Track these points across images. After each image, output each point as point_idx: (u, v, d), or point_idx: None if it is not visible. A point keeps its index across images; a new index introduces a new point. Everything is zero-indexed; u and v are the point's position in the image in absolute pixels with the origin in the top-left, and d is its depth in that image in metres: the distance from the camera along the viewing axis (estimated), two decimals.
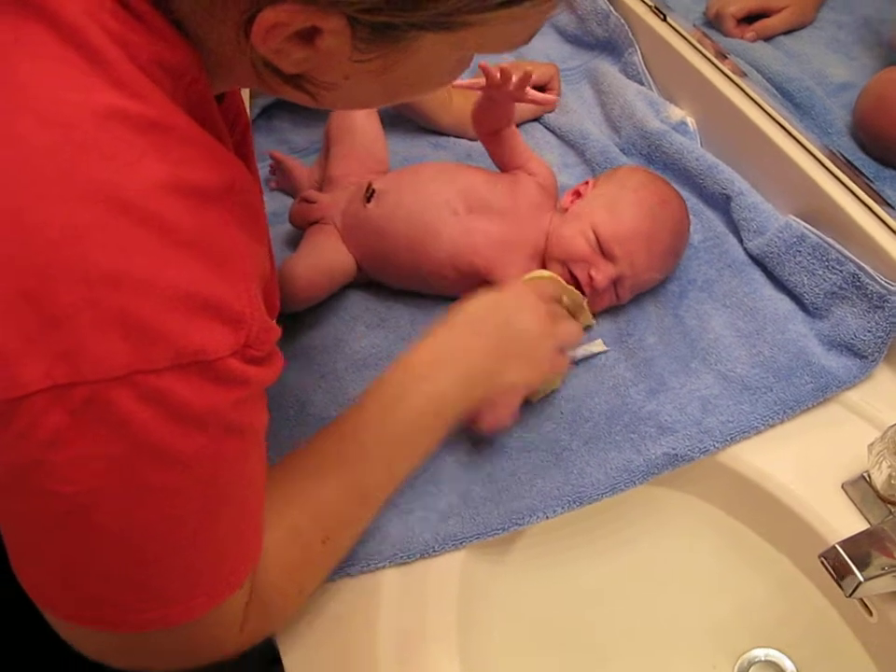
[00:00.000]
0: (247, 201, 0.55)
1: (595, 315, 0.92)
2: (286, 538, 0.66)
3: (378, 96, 0.59)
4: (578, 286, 0.89)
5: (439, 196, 0.93)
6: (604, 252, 0.89)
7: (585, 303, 0.89)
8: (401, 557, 0.76)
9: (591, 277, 0.88)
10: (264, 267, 0.57)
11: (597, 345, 0.90)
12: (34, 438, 0.47)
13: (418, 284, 0.95)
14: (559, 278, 0.88)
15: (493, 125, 0.95)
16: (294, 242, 1.02)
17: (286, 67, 0.52)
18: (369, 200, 0.94)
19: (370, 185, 0.95)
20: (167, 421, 0.48)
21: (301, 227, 1.01)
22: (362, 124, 1.04)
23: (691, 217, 0.97)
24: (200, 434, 0.50)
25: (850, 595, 0.65)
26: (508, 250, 0.91)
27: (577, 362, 0.89)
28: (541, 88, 1.16)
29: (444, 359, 0.75)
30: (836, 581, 0.65)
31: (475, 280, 0.90)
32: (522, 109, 1.14)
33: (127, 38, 0.48)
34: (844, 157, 0.90)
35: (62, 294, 0.45)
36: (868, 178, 0.87)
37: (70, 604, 0.56)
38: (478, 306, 0.78)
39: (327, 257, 0.95)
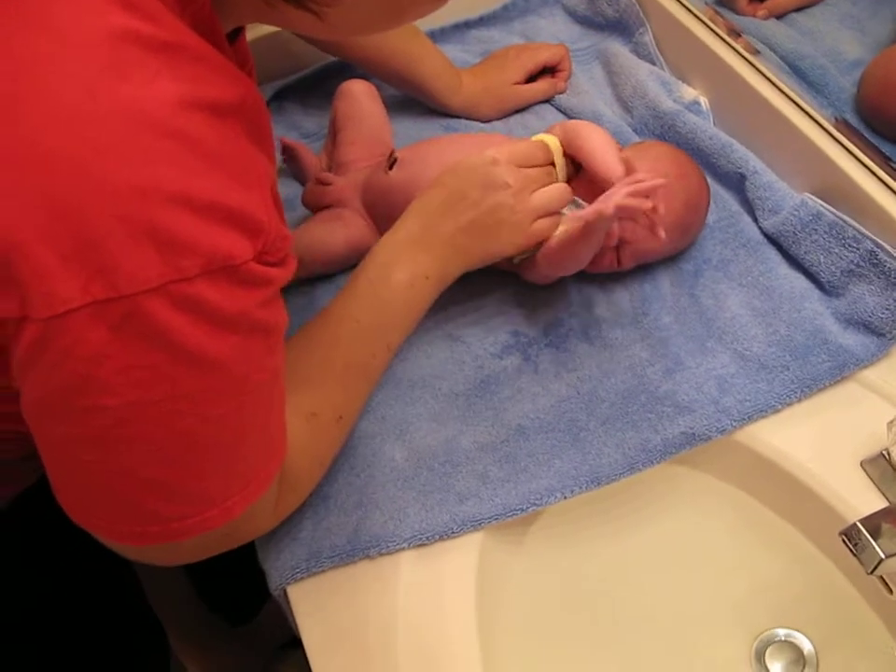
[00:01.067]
0: (257, 117, 0.56)
1: None
2: (305, 423, 0.71)
3: (385, 12, 0.59)
4: None
5: (463, 153, 0.92)
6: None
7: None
8: (420, 539, 0.76)
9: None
10: (274, 179, 0.59)
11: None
12: (77, 354, 0.48)
13: None
14: (557, 146, 0.87)
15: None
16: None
17: None
18: (391, 167, 0.93)
19: (392, 153, 0.94)
20: (202, 325, 0.50)
21: (314, 209, 1.00)
22: (369, 110, 1.04)
23: None
24: (232, 335, 0.53)
25: (871, 573, 0.65)
26: None
27: None
28: (552, 69, 1.16)
29: (422, 242, 0.80)
30: (857, 557, 0.65)
31: None
32: (533, 91, 1.14)
33: None
34: (860, 133, 0.89)
35: (93, 211, 0.46)
36: (885, 155, 0.86)
37: (112, 522, 0.58)
38: (448, 186, 0.83)
39: (346, 231, 0.96)
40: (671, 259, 0.94)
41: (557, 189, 0.84)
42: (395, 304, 0.79)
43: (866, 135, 0.90)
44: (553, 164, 0.87)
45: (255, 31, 1.13)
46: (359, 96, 1.04)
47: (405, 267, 0.79)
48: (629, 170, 0.85)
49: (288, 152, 1.08)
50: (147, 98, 0.47)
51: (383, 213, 0.95)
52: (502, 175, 0.81)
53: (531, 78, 1.15)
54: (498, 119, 1.14)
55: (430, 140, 0.98)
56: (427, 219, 0.81)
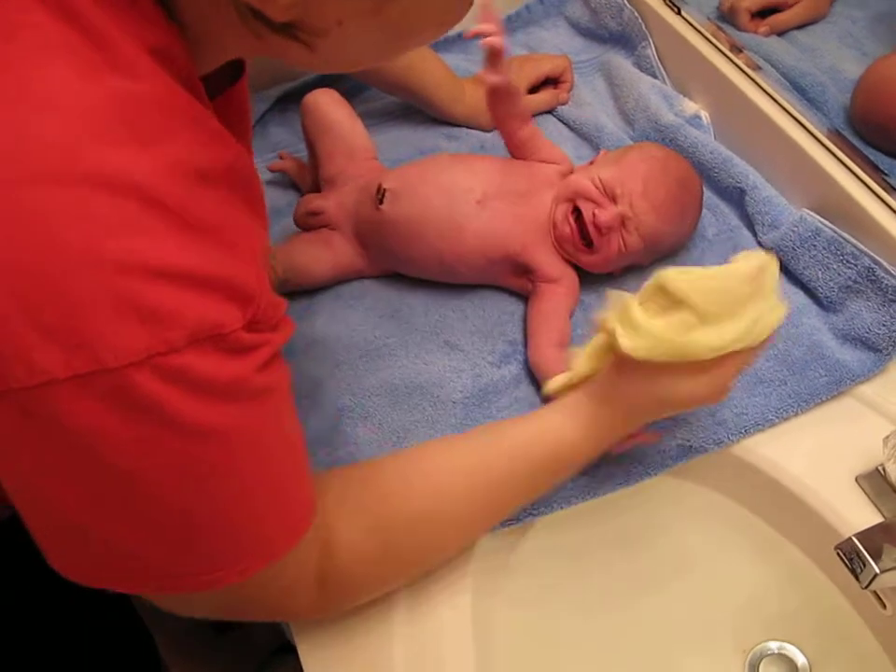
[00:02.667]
0: (248, 181, 0.55)
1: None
2: (385, 556, 0.67)
3: (379, 44, 0.56)
4: (583, 225, 0.89)
5: (457, 186, 0.92)
6: (607, 194, 0.89)
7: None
8: None
9: (594, 215, 0.88)
10: (266, 245, 0.57)
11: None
12: (68, 425, 0.47)
13: (441, 275, 0.95)
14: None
15: (507, 119, 0.95)
16: None
17: (274, 14, 0.50)
18: (381, 202, 0.92)
19: (379, 186, 0.93)
20: (195, 396, 0.49)
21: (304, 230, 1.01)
22: (336, 118, 1.02)
23: (704, 210, 0.97)
24: (229, 403, 0.51)
25: (866, 587, 0.65)
26: (535, 231, 0.92)
27: None
28: (554, 80, 1.17)
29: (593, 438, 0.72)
30: (852, 572, 0.65)
31: (507, 264, 0.92)
32: (536, 101, 1.15)
33: (122, 20, 0.48)
34: (859, 150, 0.90)
35: (73, 282, 0.44)
36: (884, 172, 0.87)
37: (127, 579, 0.57)
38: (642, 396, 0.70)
39: (331, 259, 0.96)
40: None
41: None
42: (530, 483, 0.72)
43: (860, 147, 0.90)
44: None
45: None
46: (323, 107, 1.02)
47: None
48: None
49: (283, 168, 1.09)
50: (133, 165, 0.46)
51: (375, 245, 0.95)
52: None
53: (534, 89, 1.16)
54: None
55: (419, 165, 0.98)
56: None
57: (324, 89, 1.04)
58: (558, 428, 0.71)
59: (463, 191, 0.91)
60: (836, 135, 0.92)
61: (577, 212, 0.89)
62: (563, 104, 1.17)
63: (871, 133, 0.94)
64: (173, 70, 0.51)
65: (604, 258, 0.89)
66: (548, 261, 0.91)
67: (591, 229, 0.88)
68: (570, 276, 0.92)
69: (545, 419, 0.72)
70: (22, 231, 0.44)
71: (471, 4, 0.56)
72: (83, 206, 0.45)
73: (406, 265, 0.96)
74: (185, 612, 0.64)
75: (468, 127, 1.14)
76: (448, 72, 1.12)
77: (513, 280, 0.94)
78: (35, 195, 0.44)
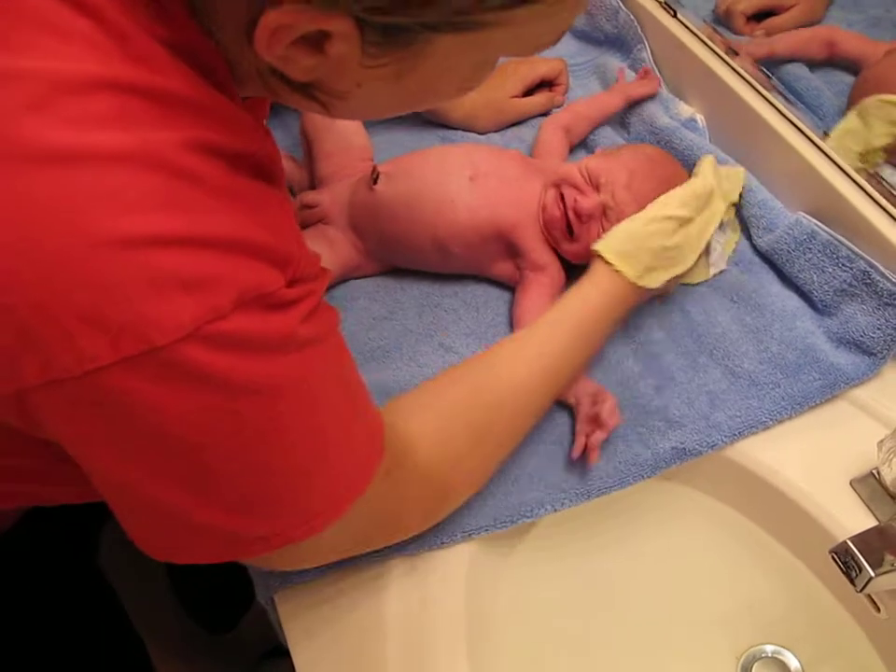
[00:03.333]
0: (271, 165, 0.55)
1: None
2: (468, 444, 0.72)
3: (394, 104, 0.58)
4: (566, 211, 0.90)
5: (450, 164, 0.94)
6: (592, 183, 0.90)
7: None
8: (409, 549, 0.76)
9: (576, 201, 0.89)
10: (296, 214, 0.58)
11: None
12: (127, 405, 0.47)
13: (435, 256, 0.94)
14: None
15: None
16: None
17: (294, 75, 0.51)
18: (375, 182, 0.93)
19: (374, 168, 0.94)
20: (248, 358, 0.49)
21: (301, 229, 1.00)
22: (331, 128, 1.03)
23: None
24: (282, 356, 0.51)
25: (860, 591, 0.65)
26: (527, 214, 0.93)
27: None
28: (549, 83, 1.17)
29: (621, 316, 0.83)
30: (847, 576, 0.65)
31: (497, 243, 0.93)
32: (531, 104, 1.14)
33: (137, 16, 0.47)
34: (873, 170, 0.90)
35: (108, 264, 0.44)
36: (880, 175, 0.87)
37: (227, 548, 0.58)
38: None
39: (331, 256, 0.95)
40: None
41: None
42: (574, 359, 0.80)
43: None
44: None
45: None
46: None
47: (588, 335, 0.81)
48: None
49: None
50: (153, 142, 0.45)
51: (370, 229, 0.95)
52: None
53: (529, 92, 1.15)
54: (496, 131, 1.14)
55: (412, 153, 0.98)
56: (622, 302, 0.83)
57: None
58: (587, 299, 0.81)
59: (456, 168, 0.93)
60: (826, 133, 0.92)
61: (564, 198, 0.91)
62: (558, 106, 1.16)
63: None
64: (195, 65, 0.50)
65: (584, 246, 0.89)
66: (536, 247, 0.92)
67: (571, 215, 0.89)
68: (556, 267, 0.93)
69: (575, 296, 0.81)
70: (41, 216, 0.43)
71: (493, 70, 0.57)
72: (101, 183, 0.44)
73: (400, 247, 0.95)
74: (300, 564, 0.68)
75: (464, 130, 1.14)
76: None
77: (502, 265, 0.94)
78: (48, 176, 0.43)
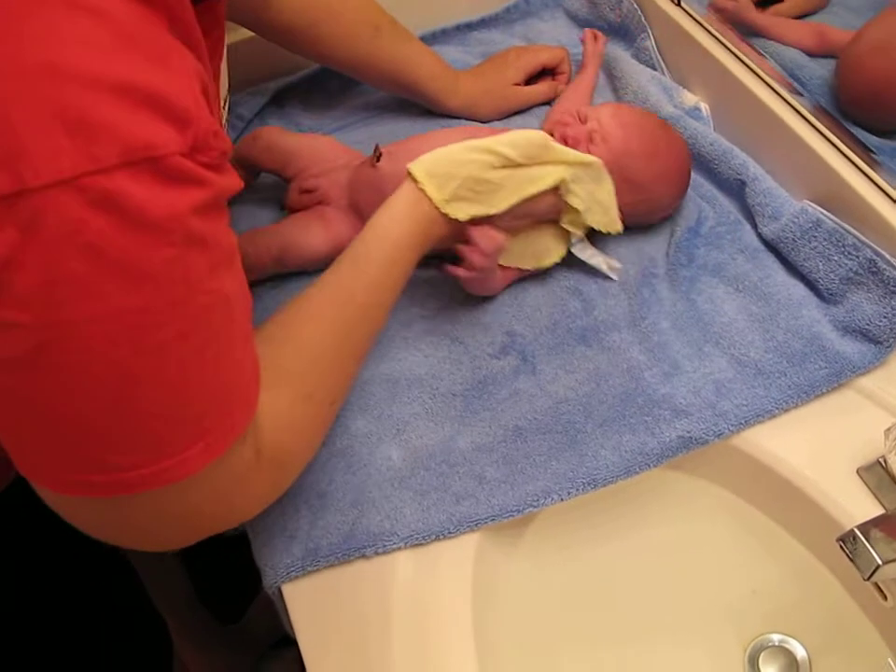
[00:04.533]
0: (182, 12, 0.51)
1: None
2: (297, 405, 0.67)
3: None
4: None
5: (452, 139, 0.92)
6: (581, 120, 0.93)
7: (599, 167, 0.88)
8: (416, 539, 0.76)
9: (564, 128, 0.92)
10: (204, 80, 0.53)
11: (612, 267, 0.94)
12: None
13: None
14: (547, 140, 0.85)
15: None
16: None
17: None
18: (378, 160, 0.93)
19: (377, 147, 0.94)
20: (126, 228, 0.45)
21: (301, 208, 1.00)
22: (293, 141, 1.02)
23: (703, 204, 0.97)
24: (162, 243, 0.47)
25: (868, 579, 0.65)
26: None
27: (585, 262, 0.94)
28: (552, 71, 1.16)
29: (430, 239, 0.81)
30: (854, 563, 0.65)
31: None
32: (534, 92, 1.14)
33: None
34: (860, 141, 0.89)
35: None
36: (887, 164, 0.86)
37: (54, 469, 0.52)
38: None
39: (330, 232, 0.95)
40: (671, 267, 0.94)
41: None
42: (387, 294, 0.77)
43: (861, 138, 0.90)
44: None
45: None
46: (277, 139, 1.02)
47: (400, 265, 0.78)
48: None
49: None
50: None
51: (372, 206, 0.94)
52: None
53: (531, 81, 1.15)
54: (498, 119, 1.14)
55: (414, 135, 0.99)
56: (428, 229, 0.81)
57: (268, 127, 1.04)
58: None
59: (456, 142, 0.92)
60: (838, 126, 0.91)
61: None
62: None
63: (853, 108, 0.94)
64: None
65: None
66: None
67: (557, 141, 0.89)
68: None
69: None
70: None
71: None
72: (13, 15, 0.42)
73: None
74: (88, 525, 0.59)
75: (466, 118, 1.13)
76: (441, 64, 1.11)
77: None
78: None
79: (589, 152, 0.89)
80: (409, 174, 0.80)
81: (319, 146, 1.03)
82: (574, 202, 0.87)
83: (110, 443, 0.51)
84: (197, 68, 0.51)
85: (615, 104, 1.03)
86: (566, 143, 0.90)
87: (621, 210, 0.91)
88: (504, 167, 0.82)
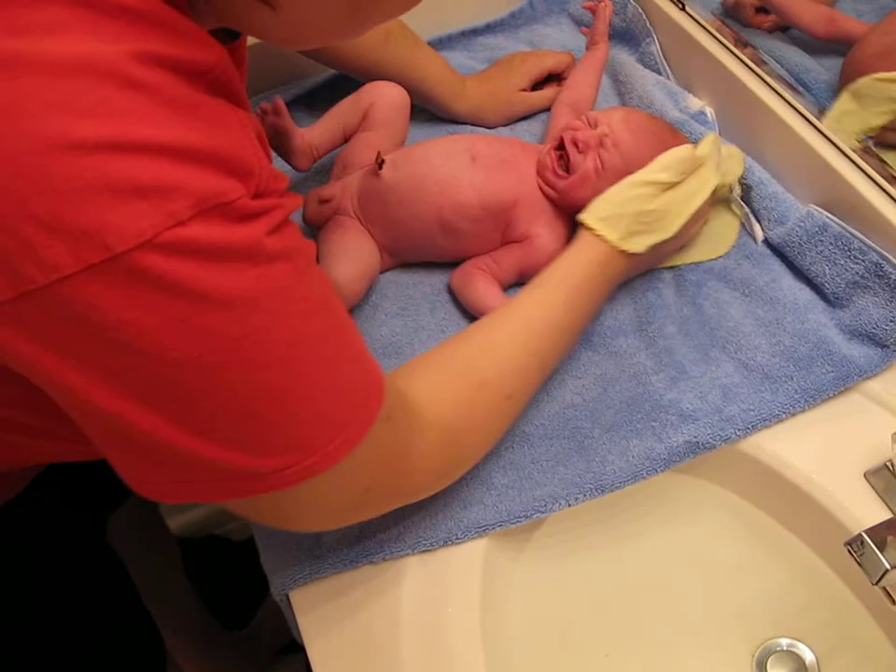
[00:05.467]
0: (230, 82, 0.53)
1: None
2: (469, 389, 0.72)
3: (343, 13, 0.55)
4: (566, 154, 0.93)
5: (452, 149, 0.95)
6: (590, 124, 0.93)
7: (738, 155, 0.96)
8: (424, 545, 0.76)
9: (573, 133, 0.92)
10: (259, 129, 0.56)
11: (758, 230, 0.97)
12: (95, 321, 0.46)
13: (443, 241, 0.94)
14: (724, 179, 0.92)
15: None
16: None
17: None
18: (380, 167, 0.93)
19: (378, 154, 0.94)
20: (212, 267, 0.48)
21: (318, 225, 0.99)
22: (403, 123, 1.03)
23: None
24: (249, 268, 0.50)
25: (876, 583, 0.65)
26: (527, 185, 0.94)
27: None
28: (557, 77, 1.16)
29: (619, 276, 0.88)
30: (862, 568, 0.65)
31: (502, 219, 0.94)
32: (539, 98, 1.14)
33: None
34: (865, 145, 0.89)
35: (63, 171, 0.43)
36: (891, 167, 0.86)
37: (208, 491, 0.56)
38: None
39: (364, 259, 0.94)
40: (677, 271, 0.94)
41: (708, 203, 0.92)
42: (577, 320, 0.82)
43: (866, 141, 0.90)
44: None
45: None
46: (402, 108, 1.02)
47: (596, 297, 0.84)
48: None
49: (275, 121, 1.00)
50: (104, 52, 0.44)
51: (378, 215, 0.95)
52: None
53: (537, 86, 1.15)
54: (504, 125, 1.15)
55: (416, 145, 0.99)
56: (610, 265, 0.85)
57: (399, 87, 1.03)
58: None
59: (457, 152, 0.94)
60: (821, 110, 0.92)
61: (561, 149, 0.93)
62: None
63: None
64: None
65: (581, 176, 0.91)
66: (536, 221, 0.94)
67: (568, 146, 0.91)
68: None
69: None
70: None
71: None
72: (53, 90, 0.43)
73: (407, 231, 0.95)
74: (303, 519, 0.65)
75: (472, 124, 1.14)
76: (449, 69, 1.11)
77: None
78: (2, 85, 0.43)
79: (599, 157, 0.90)
80: (581, 223, 0.85)
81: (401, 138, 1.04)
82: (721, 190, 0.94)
83: (253, 454, 0.54)
84: (245, 119, 0.53)
85: (625, 108, 1.05)
86: (576, 147, 0.91)
87: None
88: (664, 192, 0.85)
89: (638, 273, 0.92)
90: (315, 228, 1.00)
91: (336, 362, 0.58)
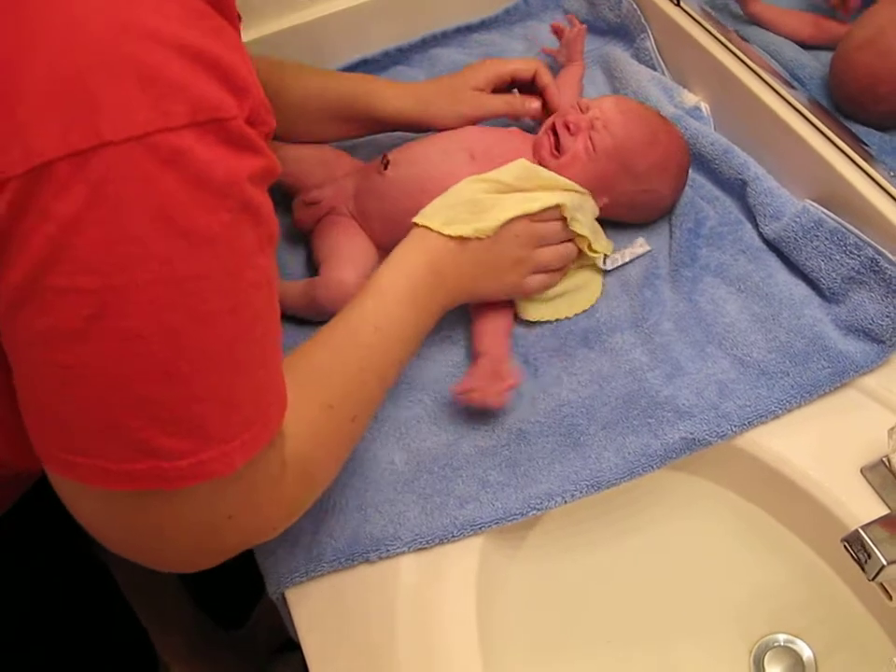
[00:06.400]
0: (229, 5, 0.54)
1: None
2: (319, 414, 0.67)
3: None
4: (557, 140, 0.93)
5: (452, 146, 0.95)
6: (582, 110, 0.93)
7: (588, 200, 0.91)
8: (420, 543, 0.76)
9: (565, 117, 0.93)
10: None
11: (640, 245, 0.97)
12: (56, 214, 0.44)
13: None
14: (564, 205, 0.88)
15: None
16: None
17: None
18: (385, 167, 0.94)
19: (384, 156, 0.95)
20: (190, 187, 0.46)
21: (308, 228, 0.99)
22: (297, 154, 1.01)
23: (704, 204, 0.97)
24: (221, 207, 0.48)
25: (873, 579, 0.65)
26: None
27: (625, 264, 0.96)
28: (528, 85, 1.05)
29: (441, 276, 0.82)
30: (859, 564, 0.65)
31: None
32: (489, 99, 1.03)
33: None
34: (861, 140, 0.89)
35: (71, 49, 0.43)
36: (886, 163, 0.86)
37: (92, 457, 0.51)
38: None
39: (364, 260, 0.94)
40: (673, 267, 0.94)
41: (557, 249, 0.89)
42: (412, 331, 0.78)
43: (862, 138, 0.90)
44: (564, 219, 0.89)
45: (264, 30, 1.16)
46: (283, 152, 0.99)
47: (425, 302, 0.80)
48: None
49: None
50: None
51: (378, 214, 0.95)
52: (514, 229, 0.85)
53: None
54: (456, 125, 1.00)
55: (416, 141, 0.98)
56: (447, 253, 0.83)
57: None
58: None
59: (456, 150, 0.94)
60: (838, 125, 0.91)
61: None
62: (533, 118, 1.05)
63: (848, 104, 0.95)
64: None
65: (571, 157, 0.91)
66: None
67: (559, 128, 0.92)
68: None
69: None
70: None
71: None
72: None
73: (407, 228, 0.91)
74: (97, 525, 0.58)
75: (419, 127, 1.02)
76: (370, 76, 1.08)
77: None
78: None
79: (591, 139, 0.91)
80: (414, 225, 0.84)
81: (323, 155, 1.03)
82: (579, 228, 0.89)
83: (157, 422, 0.50)
84: (238, 39, 0.53)
85: (616, 95, 1.05)
86: (567, 129, 0.92)
87: (621, 201, 0.94)
88: (499, 192, 0.86)
89: (482, 294, 0.88)
90: (305, 231, 0.99)
91: (263, 351, 0.56)
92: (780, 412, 0.81)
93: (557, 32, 1.14)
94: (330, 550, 0.76)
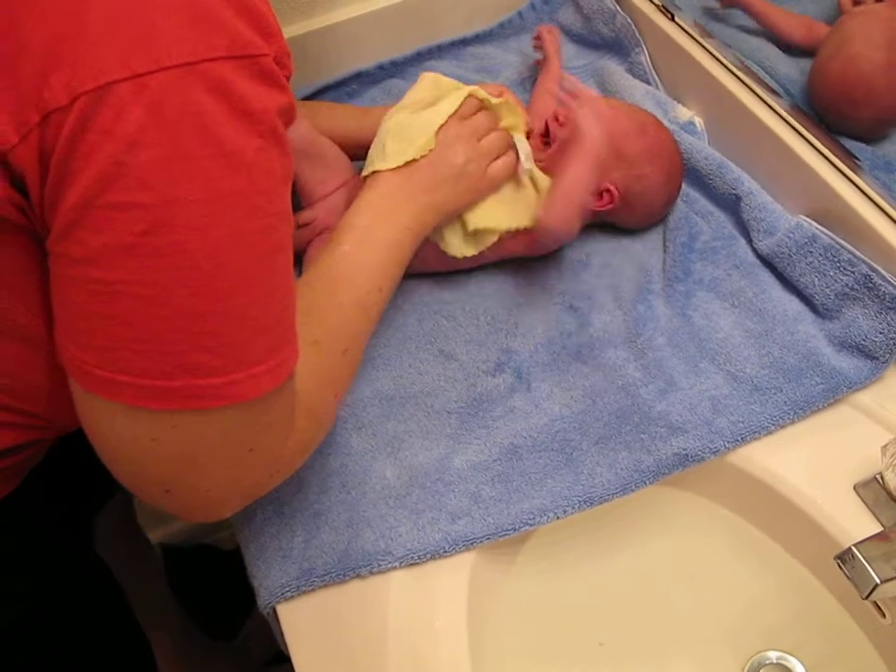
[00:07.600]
0: None
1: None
2: (309, 350, 0.68)
3: None
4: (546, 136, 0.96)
5: None
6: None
7: (510, 100, 0.93)
8: (411, 558, 0.76)
9: (554, 112, 0.95)
10: None
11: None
12: (117, 134, 0.48)
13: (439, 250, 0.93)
14: (476, 91, 0.91)
15: None
16: None
17: None
18: None
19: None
20: (231, 113, 0.51)
21: (300, 249, 0.97)
22: (323, 142, 1.00)
23: (698, 219, 0.97)
24: (255, 132, 0.52)
25: (866, 597, 0.65)
26: None
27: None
28: None
29: (398, 201, 0.83)
30: (852, 582, 0.65)
31: None
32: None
33: None
34: (854, 157, 0.89)
35: None
36: (880, 179, 0.86)
37: (140, 377, 0.54)
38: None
39: None
40: (666, 282, 0.94)
41: (496, 134, 0.90)
42: (384, 255, 0.80)
43: (856, 154, 0.90)
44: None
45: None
46: (306, 135, 0.97)
47: (389, 226, 0.82)
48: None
49: None
50: None
51: None
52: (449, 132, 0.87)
53: None
54: None
55: None
56: (397, 181, 0.84)
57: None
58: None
59: None
60: (832, 141, 0.91)
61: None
62: None
63: (828, 116, 0.95)
64: None
65: (560, 143, 0.92)
66: None
67: (550, 122, 0.94)
68: None
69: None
70: None
71: None
72: None
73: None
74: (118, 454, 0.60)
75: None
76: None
77: (514, 239, 0.93)
78: None
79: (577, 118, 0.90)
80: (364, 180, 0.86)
81: (330, 152, 1.00)
82: (497, 104, 0.92)
83: (194, 336, 0.53)
84: None
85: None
86: (556, 120, 0.94)
87: (614, 188, 0.94)
88: (418, 111, 0.89)
89: (450, 202, 0.87)
90: (297, 252, 0.98)
91: (285, 282, 0.59)
92: (773, 428, 0.81)
93: (537, 44, 1.17)
94: (322, 564, 0.76)
